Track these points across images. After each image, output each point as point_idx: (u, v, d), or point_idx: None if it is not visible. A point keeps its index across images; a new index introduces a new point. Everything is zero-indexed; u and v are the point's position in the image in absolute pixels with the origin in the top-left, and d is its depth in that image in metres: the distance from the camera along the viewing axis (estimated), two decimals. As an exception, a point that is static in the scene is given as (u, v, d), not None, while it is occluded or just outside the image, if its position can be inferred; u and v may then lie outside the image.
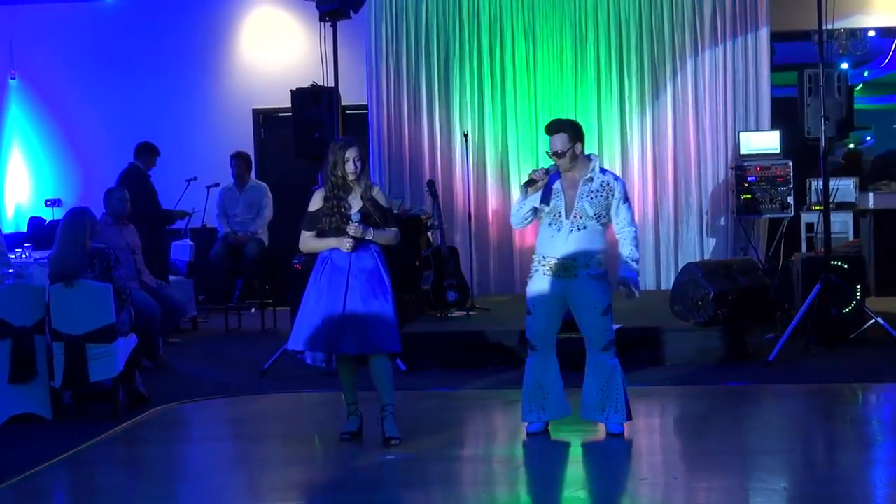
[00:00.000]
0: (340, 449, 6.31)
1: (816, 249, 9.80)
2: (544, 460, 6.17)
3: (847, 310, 8.89)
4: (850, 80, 9.53)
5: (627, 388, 6.29)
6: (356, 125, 11.68)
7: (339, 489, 5.70)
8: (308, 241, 6.37)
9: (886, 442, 6.46)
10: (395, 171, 11.77)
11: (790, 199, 10.66)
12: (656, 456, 6.30)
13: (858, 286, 8.98)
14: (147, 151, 10.50)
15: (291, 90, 9.39)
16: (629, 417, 6.28)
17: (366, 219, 6.22)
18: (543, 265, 6.22)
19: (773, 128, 11.17)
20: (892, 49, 12.26)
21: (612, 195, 6.21)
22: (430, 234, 10.66)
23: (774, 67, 11.55)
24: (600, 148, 11.50)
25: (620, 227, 6.27)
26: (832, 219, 9.25)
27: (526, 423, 6.40)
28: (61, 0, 12.77)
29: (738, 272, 8.92)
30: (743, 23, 11.37)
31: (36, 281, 8.82)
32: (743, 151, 10.94)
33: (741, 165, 10.77)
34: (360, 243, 6.21)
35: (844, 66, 11.83)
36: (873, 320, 8.87)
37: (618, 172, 11.35)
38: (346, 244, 6.18)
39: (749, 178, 10.71)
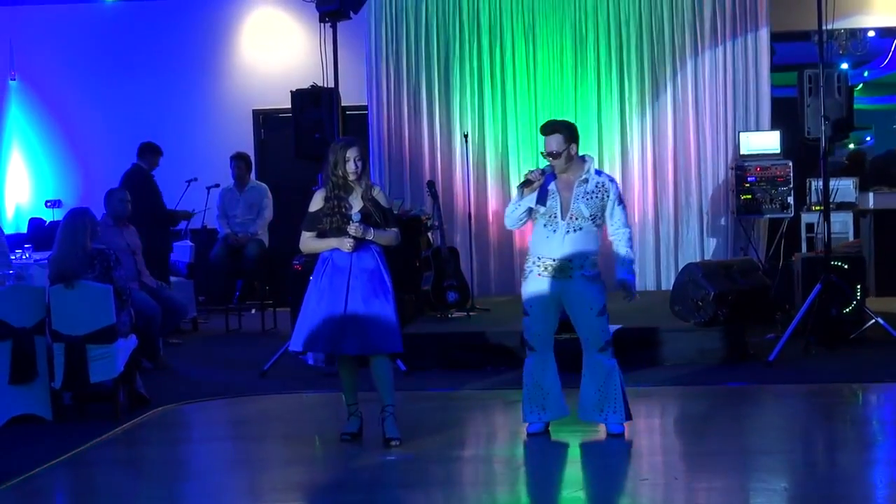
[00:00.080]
0: (341, 449, 6.31)
1: (816, 250, 9.80)
2: (545, 461, 6.17)
3: (847, 310, 8.90)
4: (850, 81, 9.54)
5: (626, 388, 6.29)
6: (356, 126, 11.68)
7: (340, 490, 5.70)
8: (309, 242, 6.37)
9: (887, 442, 6.46)
10: (395, 171, 11.77)
11: (790, 200, 10.66)
12: (657, 456, 6.30)
13: (858, 286, 8.98)
14: (150, 151, 10.50)
15: (291, 91, 9.39)
16: (629, 417, 6.28)
17: (366, 219, 6.22)
18: (538, 266, 6.22)
19: (773, 128, 11.17)
20: (892, 49, 12.26)
21: (607, 196, 6.21)
22: (430, 234, 10.66)
23: (774, 68, 11.55)
24: (600, 148, 11.50)
25: (615, 229, 6.27)
26: (832, 219, 9.25)
27: (526, 424, 6.40)
28: (61, 1, 12.77)
29: (739, 272, 8.92)
30: (743, 23, 11.37)
31: (36, 282, 8.82)
32: (743, 152, 10.94)
33: (741, 166, 10.77)
34: (360, 243, 6.21)
35: (844, 66, 11.85)
36: (873, 320, 8.87)
37: (618, 173, 11.41)
38: (346, 244, 6.18)
39: (749, 179, 10.70)
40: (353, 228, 6.16)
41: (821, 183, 9.15)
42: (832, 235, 9.02)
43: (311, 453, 6.52)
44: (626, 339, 8.06)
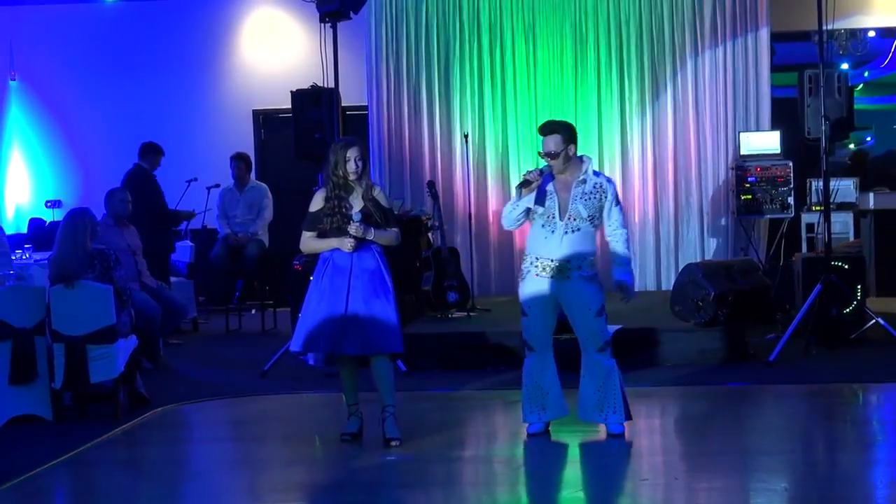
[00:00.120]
0: (341, 450, 6.31)
1: (817, 250, 9.80)
2: (545, 461, 6.17)
3: (847, 310, 8.89)
4: (850, 81, 9.55)
5: (625, 388, 6.29)
6: (356, 126, 11.68)
7: (340, 490, 5.69)
8: (309, 242, 6.37)
9: (887, 442, 6.46)
10: (395, 172, 11.77)
11: (790, 200, 10.66)
12: (657, 456, 6.30)
13: (859, 286, 8.98)
14: (152, 152, 10.49)
15: (292, 91, 9.39)
16: (629, 417, 6.28)
17: (367, 219, 6.21)
18: (536, 266, 6.21)
19: (773, 128, 11.17)
20: (892, 49, 12.26)
21: (605, 197, 6.21)
22: (430, 234, 10.66)
23: (774, 68, 11.55)
24: (600, 148, 11.50)
25: (612, 230, 6.27)
26: (832, 219, 9.25)
27: (527, 424, 6.40)
28: (61, 1, 12.77)
29: (739, 273, 8.92)
30: (743, 23, 11.37)
31: (36, 282, 8.82)
32: (743, 152, 10.94)
33: (741, 166, 10.77)
34: (361, 243, 6.20)
35: (844, 66, 11.85)
36: (874, 321, 8.87)
37: (618, 173, 11.42)
38: (347, 244, 6.17)
39: (749, 179, 10.70)
40: (353, 228, 6.16)
41: (821, 183, 9.15)
42: (832, 236, 9.02)
43: (312, 454, 6.52)
44: (627, 339, 8.06)
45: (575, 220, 6.15)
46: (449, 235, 10.88)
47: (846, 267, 8.97)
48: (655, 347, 8.48)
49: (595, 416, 6.29)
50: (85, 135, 12.84)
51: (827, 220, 8.88)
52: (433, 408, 7.40)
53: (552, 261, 6.16)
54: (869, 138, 13.71)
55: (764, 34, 11.34)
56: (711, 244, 11.45)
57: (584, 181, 6.19)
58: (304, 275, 8.42)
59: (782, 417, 7.22)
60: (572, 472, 6.06)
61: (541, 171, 6.15)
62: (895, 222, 11.49)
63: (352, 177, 6.23)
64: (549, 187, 6.15)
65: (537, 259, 6.21)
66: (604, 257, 6.37)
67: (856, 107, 9.56)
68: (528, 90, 11.61)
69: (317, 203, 6.31)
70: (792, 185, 10.67)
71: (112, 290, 7.19)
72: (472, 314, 9.83)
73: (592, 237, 6.23)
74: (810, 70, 9.17)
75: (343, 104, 9.46)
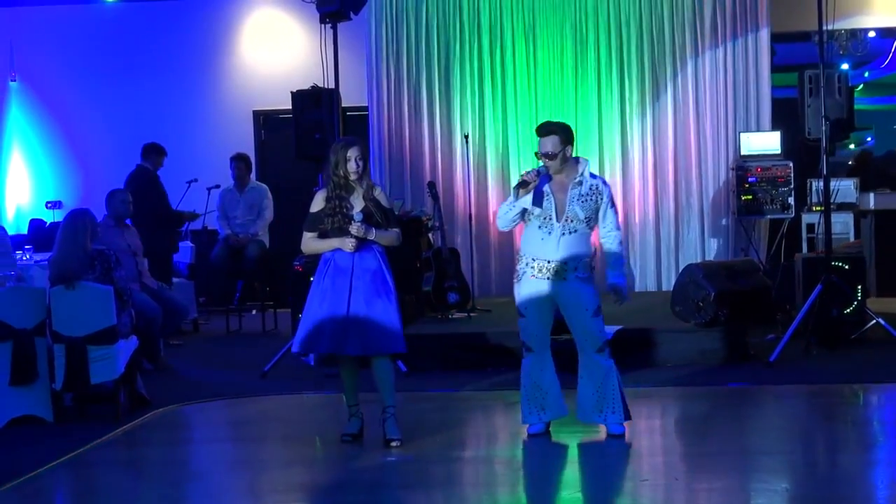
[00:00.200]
0: (341, 450, 6.31)
1: (817, 250, 9.80)
2: (545, 461, 6.17)
3: (848, 310, 8.89)
4: (850, 81, 9.55)
5: (624, 388, 6.29)
6: (357, 127, 11.69)
7: (340, 490, 5.70)
8: (310, 243, 6.36)
9: (887, 443, 6.46)
10: (395, 172, 11.77)
11: (791, 200, 10.66)
12: (657, 457, 6.30)
13: (859, 287, 8.98)
14: (154, 152, 10.50)
15: (292, 92, 9.40)
16: (628, 417, 6.28)
17: (368, 219, 6.21)
18: (532, 267, 6.21)
19: (773, 128, 11.17)
20: (893, 50, 12.26)
21: (601, 199, 6.22)
22: (430, 235, 10.66)
23: (775, 68, 11.55)
24: (601, 149, 11.51)
25: (606, 232, 6.28)
26: (833, 219, 9.25)
27: (527, 425, 6.40)
28: (62, 2, 12.78)
29: (739, 273, 8.91)
30: (743, 24, 11.37)
31: (37, 283, 8.83)
32: (743, 152, 10.94)
33: (742, 166, 10.77)
34: (362, 244, 6.20)
35: (845, 66, 11.85)
36: (874, 321, 8.87)
37: (618, 173, 11.43)
38: (348, 244, 6.17)
39: (750, 179, 10.70)
40: (354, 228, 6.16)
41: (821, 183, 9.15)
42: (833, 236, 9.02)
43: (312, 454, 6.52)
44: (627, 339, 8.06)
45: (572, 221, 6.15)
46: (449, 236, 10.88)
47: (846, 267, 8.97)
48: (656, 348, 8.48)
49: (594, 416, 6.29)
50: (85, 135, 12.85)
51: (827, 220, 8.88)
52: (433, 408, 7.40)
53: (549, 262, 6.15)
54: (869, 139, 13.72)
55: (764, 34, 11.34)
56: (712, 244, 11.46)
57: (581, 183, 6.19)
58: (305, 275, 8.43)
59: (783, 418, 7.22)
60: (572, 472, 6.06)
61: (538, 171, 6.14)
62: (895, 223, 11.48)
63: (352, 177, 6.22)
64: (546, 188, 6.14)
65: (533, 260, 6.21)
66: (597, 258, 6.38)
67: (856, 107, 9.56)
68: (528, 91, 11.61)
69: (317, 203, 6.31)
70: (792, 186, 10.67)
71: (112, 291, 7.19)
72: (472, 315, 9.83)
73: (588, 239, 6.24)
74: (810, 70, 9.17)
75: (343, 105, 9.47)
